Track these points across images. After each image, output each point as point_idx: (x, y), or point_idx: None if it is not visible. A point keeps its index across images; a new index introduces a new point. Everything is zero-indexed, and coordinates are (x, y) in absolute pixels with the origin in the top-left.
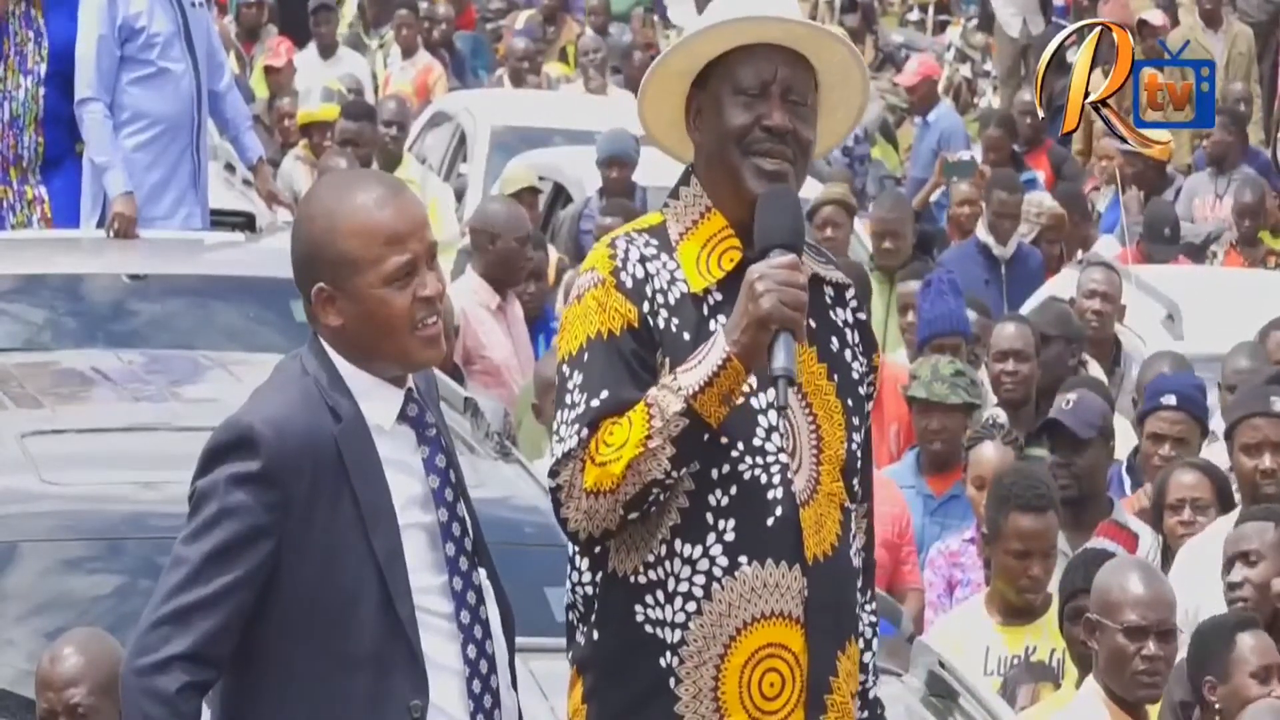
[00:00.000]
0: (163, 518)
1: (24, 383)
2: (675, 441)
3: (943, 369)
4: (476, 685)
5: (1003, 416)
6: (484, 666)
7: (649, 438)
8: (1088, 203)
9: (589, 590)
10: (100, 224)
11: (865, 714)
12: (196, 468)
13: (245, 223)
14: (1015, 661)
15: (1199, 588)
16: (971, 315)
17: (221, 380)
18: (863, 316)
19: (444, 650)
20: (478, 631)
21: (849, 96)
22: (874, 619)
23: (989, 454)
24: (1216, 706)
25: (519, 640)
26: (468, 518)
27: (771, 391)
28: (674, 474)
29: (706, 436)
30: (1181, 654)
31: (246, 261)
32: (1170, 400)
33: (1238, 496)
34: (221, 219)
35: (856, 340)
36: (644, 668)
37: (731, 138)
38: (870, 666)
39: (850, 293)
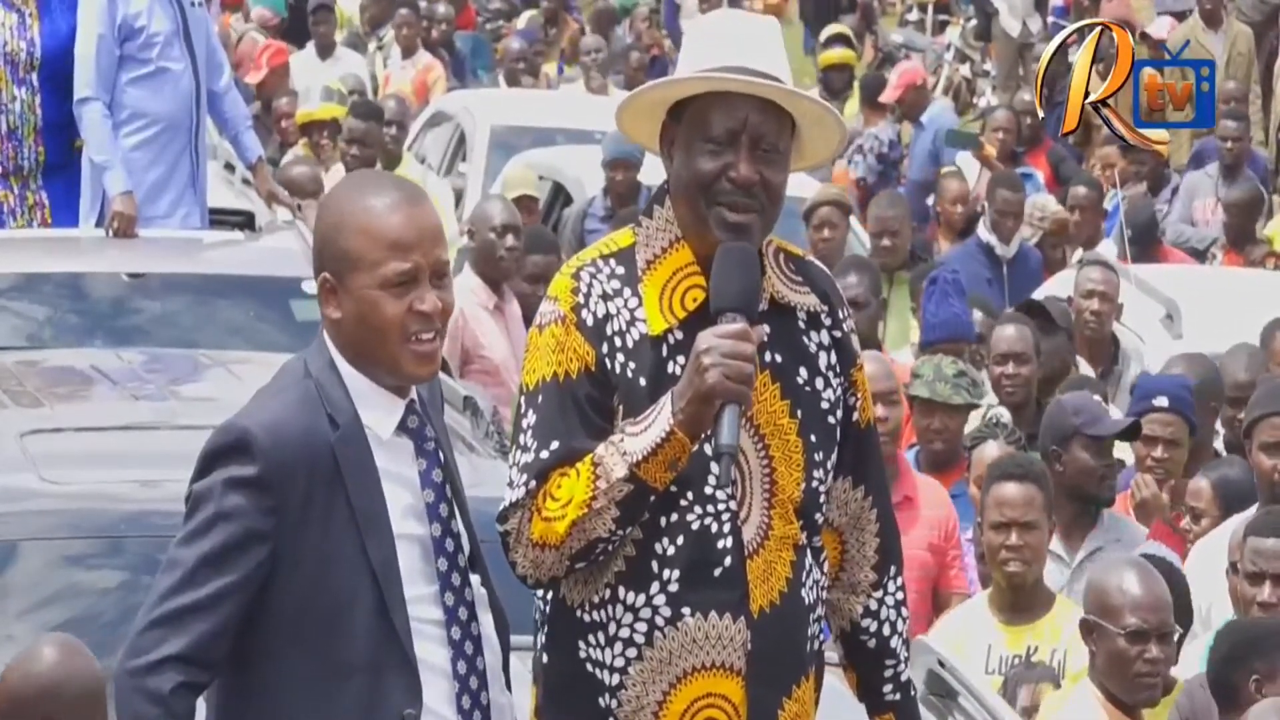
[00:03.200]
0: (162, 516)
1: (24, 381)
2: (620, 504)
3: (946, 368)
4: (466, 700)
5: (1006, 416)
6: (474, 682)
7: (593, 498)
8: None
9: (543, 607)
10: (99, 223)
11: (897, 696)
12: (194, 470)
13: (244, 222)
14: (1016, 661)
15: (1213, 586)
16: (977, 315)
17: (221, 379)
18: (839, 334)
19: (435, 654)
20: (468, 647)
21: (825, 134)
22: (900, 596)
23: (992, 454)
24: None
25: (517, 638)
26: (463, 532)
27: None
28: (619, 532)
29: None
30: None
31: (246, 260)
32: (1162, 402)
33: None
34: (221, 218)
35: (833, 361)
36: (585, 703)
37: (697, 184)
38: (899, 650)
39: (825, 313)
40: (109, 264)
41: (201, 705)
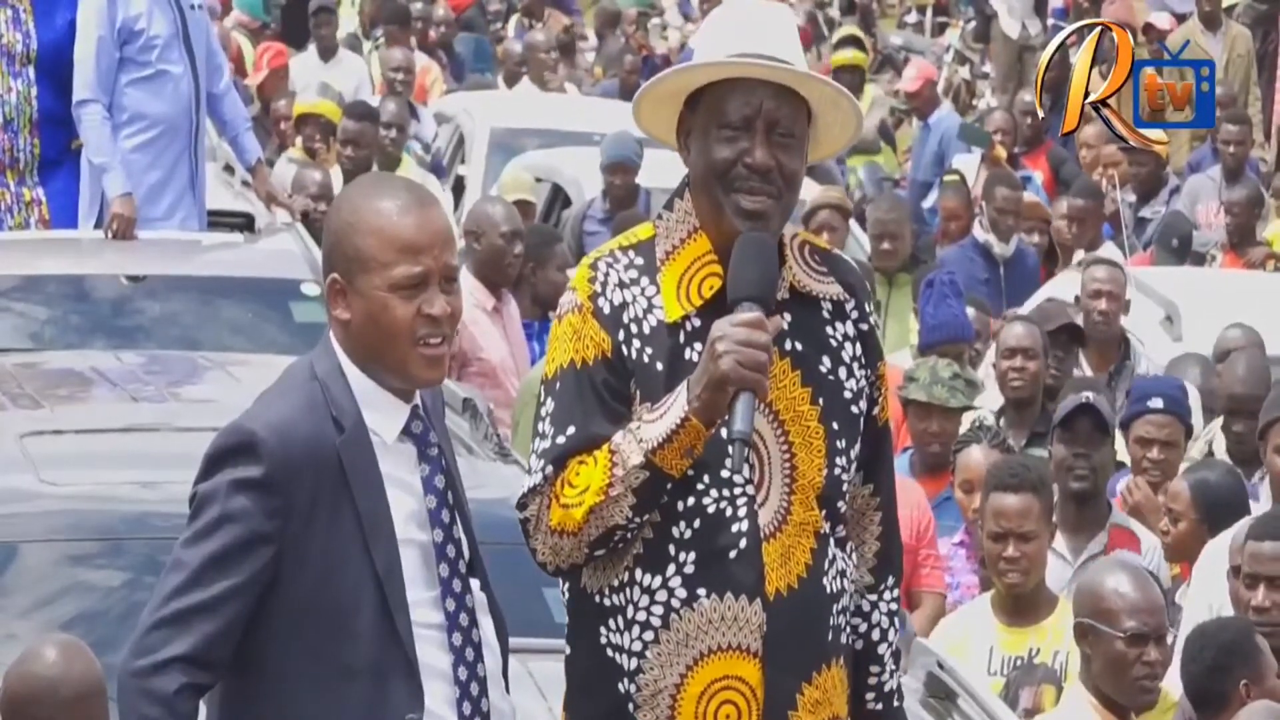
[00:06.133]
0: (162, 518)
1: (23, 383)
2: (636, 491)
3: (941, 371)
4: (467, 705)
5: (990, 419)
6: (474, 688)
7: (610, 486)
8: (1104, 201)
9: (565, 601)
10: (98, 225)
11: (880, 706)
12: (199, 471)
13: (244, 223)
14: (1018, 663)
15: (1219, 590)
16: (970, 313)
17: (220, 381)
18: (865, 327)
19: (437, 658)
20: (469, 652)
21: (841, 119)
22: (894, 607)
23: (976, 458)
24: None
25: (517, 641)
26: (464, 538)
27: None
28: (636, 519)
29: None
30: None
31: (245, 262)
32: (1157, 404)
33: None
34: (220, 220)
35: (858, 353)
36: (607, 689)
37: (714, 172)
38: (885, 657)
39: (851, 305)
40: (108, 266)
41: (203, 706)
